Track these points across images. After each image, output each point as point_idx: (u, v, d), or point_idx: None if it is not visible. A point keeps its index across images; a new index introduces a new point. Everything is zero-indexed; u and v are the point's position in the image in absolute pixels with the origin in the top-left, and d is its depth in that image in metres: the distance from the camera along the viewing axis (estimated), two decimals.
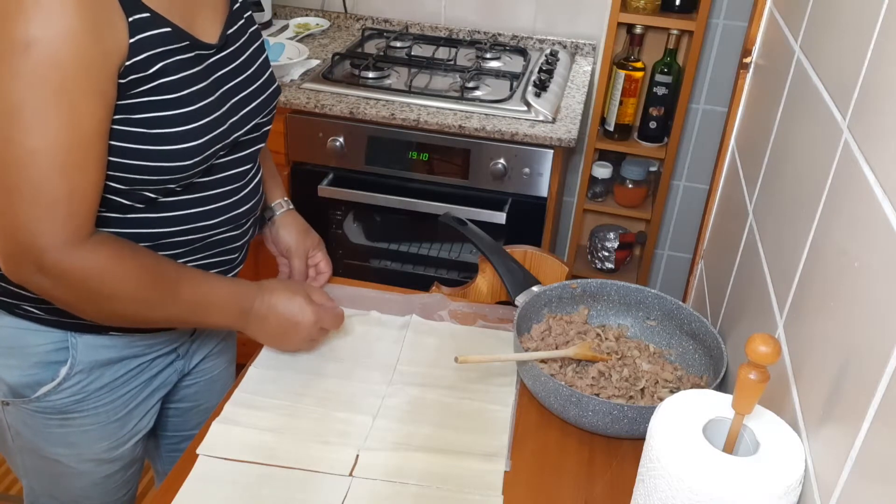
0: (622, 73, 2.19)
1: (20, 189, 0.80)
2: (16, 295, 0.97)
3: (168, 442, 1.30)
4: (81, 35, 0.77)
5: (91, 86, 0.80)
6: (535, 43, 2.35)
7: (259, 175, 1.10)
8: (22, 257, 0.84)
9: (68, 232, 0.83)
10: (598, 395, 1.02)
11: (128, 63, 0.83)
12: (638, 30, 2.15)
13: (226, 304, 0.99)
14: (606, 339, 1.12)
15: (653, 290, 1.15)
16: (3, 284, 0.97)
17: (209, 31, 0.95)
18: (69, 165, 0.81)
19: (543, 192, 1.95)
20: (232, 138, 0.98)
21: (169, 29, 0.87)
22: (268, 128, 1.08)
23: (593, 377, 1.05)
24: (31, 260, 0.83)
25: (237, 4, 1.02)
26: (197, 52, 0.92)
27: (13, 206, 0.81)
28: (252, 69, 1.03)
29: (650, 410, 0.90)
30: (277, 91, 1.09)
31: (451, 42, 2.30)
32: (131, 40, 0.83)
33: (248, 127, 1.02)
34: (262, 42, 1.08)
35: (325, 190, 2.00)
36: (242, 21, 1.03)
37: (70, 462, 1.09)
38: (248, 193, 1.05)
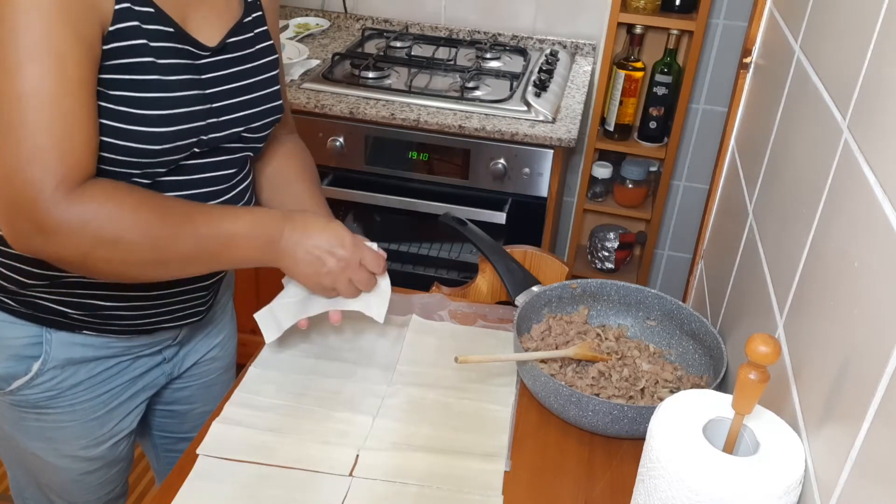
0: (622, 73, 2.19)
1: (6, 137, 0.78)
2: None
3: (163, 442, 1.30)
4: None
5: (77, 36, 0.79)
6: (535, 43, 2.35)
7: (246, 183, 1.06)
8: (18, 216, 0.80)
9: (57, 181, 0.79)
10: (598, 395, 1.02)
11: (111, 28, 0.82)
12: (638, 30, 2.15)
13: (249, 234, 0.91)
14: (606, 339, 1.12)
15: (653, 290, 1.15)
16: None
17: (207, 34, 0.94)
18: (56, 113, 0.78)
19: (543, 192, 1.95)
20: (208, 138, 0.95)
21: (152, 10, 0.86)
22: (258, 144, 1.05)
23: (593, 377, 1.05)
24: (27, 218, 0.80)
25: (250, 18, 1.01)
26: (185, 45, 0.90)
27: (2, 160, 0.78)
28: (248, 81, 1.00)
29: (650, 410, 0.90)
30: (275, 111, 1.04)
31: (451, 42, 2.30)
32: (116, 7, 0.82)
33: (228, 134, 0.98)
34: (274, 60, 1.04)
35: (325, 190, 1.98)
36: (252, 35, 1.01)
37: (47, 457, 1.09)
38: (231, 199, 1.02)
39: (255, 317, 1.03)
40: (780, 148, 1.01)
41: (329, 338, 1.15)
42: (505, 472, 0.93)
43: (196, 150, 0.95)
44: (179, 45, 0.90)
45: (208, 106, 0.94)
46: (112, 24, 0.82)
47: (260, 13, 1.03)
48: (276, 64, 1.05)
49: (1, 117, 0.77)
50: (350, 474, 0.92)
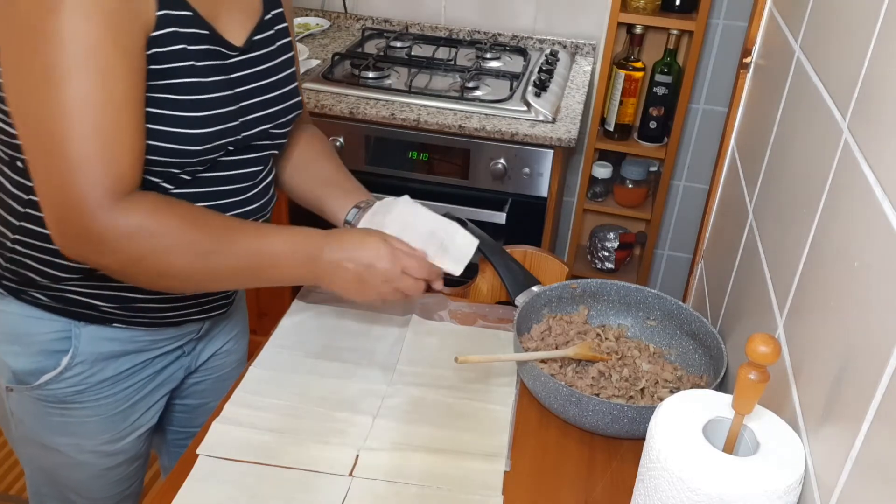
0: (622, 73, 2.19)
1: (56, 150, 0.80)
2: (25, 280, 0.98)
3: (175, 437, 1.31)
4: None
5: (121, 49, 0.81)
6: (535, 43, 2.35)
7: (270, 179, 1.09)
8: (67, 224, 0.83)
9: (103, 191, 0.81)
10: (598, 395, 1.02)
11: (153, 34, 0.84)
12: (638, 30, 2.15)
13: (290, 251, 0.93)
14: (606, 339, 1.12)
15: (653, 290, 1.15)
16: (14, 268, 0.98)
17: (235, 34, 0.97)
18: (100, 125, 0.80)
19: (543, 192, 1.95)
20: (241, 137, 0.98)
21: (191, 13, 0.89)
22: (282, 140, 1.08)
23: (593, 377, 1.05)
24: (74, 225, 0.82)
25: (270, 15, 1.03)
26: (217, 46, 0.93)
27: (52, 169, 0.81)
28: (273, 79, 1.03)
29: (650, 410, 0.90)
30: (297, 106, 1.08)
31: (451, 42, 2.30)
32: (158, 13, 0.84)
33: (257, 131, 1.01)
34: (292, 56, 1.07)
35: None
36: (273, 32, 1.03)
37: (70, 452, 1.10)
38: (257, 194, 1.05)
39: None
40: (780, 148, 1.01)
41: (329, 338, 1.15)
42: (505, 472, 0.93)
43: (230, 147, 0.97)
44: (212, 47, 0.92)
45: (239, 105, 0.97)
46: (154, 30, 0.85)
47: (280, 10, 1.05)
48: (294, 60, 1.08)
49: (49, 128, 0.80)
50: (350, 474, 0.92)
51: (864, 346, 0.61)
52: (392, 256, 0.97)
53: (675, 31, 2.16)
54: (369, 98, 1.95)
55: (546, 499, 0.91)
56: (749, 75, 1.29)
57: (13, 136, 0.90)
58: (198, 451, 0.93)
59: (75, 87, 0.79)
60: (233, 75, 0.96)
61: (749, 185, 1.14)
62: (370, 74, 2.03)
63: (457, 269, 1.06)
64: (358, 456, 0.94)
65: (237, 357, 1.29)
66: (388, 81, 2.03)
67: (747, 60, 1.29)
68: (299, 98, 1.09)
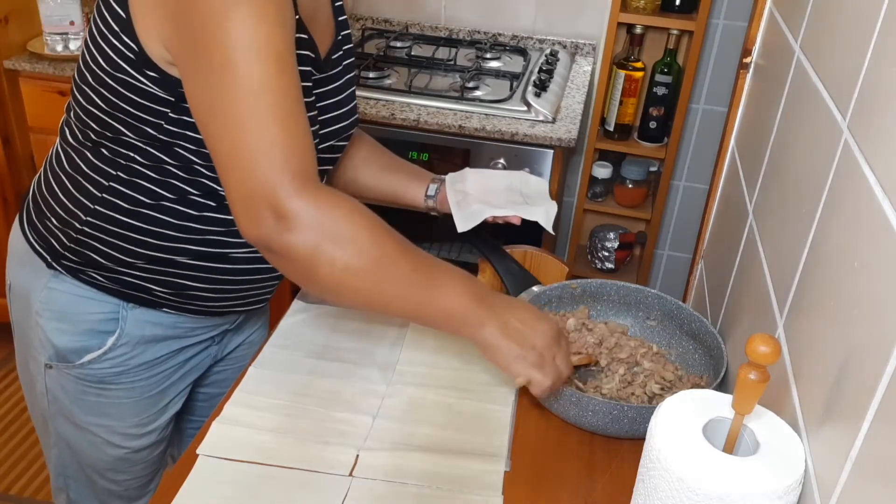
0: (622, 73, 2.19)
1: (240, 130, 0.80)
2: (87, 261, 1.00)
3: (191, 426, 1.33)
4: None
5: (289, 41, 0.82)
6: (535, 43, 2.35)
7: None
8: (258, 204, 0.81)
9: (292, 171, 0.81)
10: (604, 395, 1.02)
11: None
12: (638, 30, 2.16)
13: (458, 283, 0.90)
14: (590, 329, 1.12)
15: (653, 290, 1.15)
16: (79, 249, 1.00)
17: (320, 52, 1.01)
18: (281, 109, 0.81)
19: None
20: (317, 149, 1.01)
21: (307, 36, 0.93)
22: (340, 154, 1.12)
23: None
24: (267, 205, 0.80)
25: (340, 36, 1.06)
26: (312, 67, 0.97)
27: (239, 154, 0.81)
28: (342, 96, 1.06)
29: (650, 410, 0.90)
30: (356, 123, 1.12)
31: (451, 42, 2.30)
32: (296, 16, 0.87)
33: (326, 146, 1.05)
34: (356, 75, 1.11)
35: None
36: (342, 52, 1.06)
37: (100, 433, 1.12)
38: None
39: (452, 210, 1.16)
40: (780, 148, 1.01)
41: (329, 338, 1.15)
42: (505, 472, 0.93)
43: None
44: (309, 68, 0.96)
45: (318, 122, 1.01)
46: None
47: (349, 31, 1.09)
48: (355, 81, 1.12)
49: (233, 112, 0.80)
50: (350, 474, 0.92)
51: (864, 346, 0.61)
52: (561, 334, 0.96)
53: (675, 31, 2.16)
54: (369, 98, 1.95)
55: (546, 499, 0.91)
56: (749, 75, 1.29)
57: (104, 126, 0.93)
58: (198, 451, 0.93)
59: (256, 72, 0.79)
60: (315, 91, 0.99)
61: (749, 185, 1.14)
62: (370, 74, 2.03)
63: (551, 211, 1.17)
64: (358, 456, 0.94)
65: (258, 349, 1.30)
66: (387, 81, 2.03)
67: (747, 60, 1.29)
68: (357, 116, 1.12)
